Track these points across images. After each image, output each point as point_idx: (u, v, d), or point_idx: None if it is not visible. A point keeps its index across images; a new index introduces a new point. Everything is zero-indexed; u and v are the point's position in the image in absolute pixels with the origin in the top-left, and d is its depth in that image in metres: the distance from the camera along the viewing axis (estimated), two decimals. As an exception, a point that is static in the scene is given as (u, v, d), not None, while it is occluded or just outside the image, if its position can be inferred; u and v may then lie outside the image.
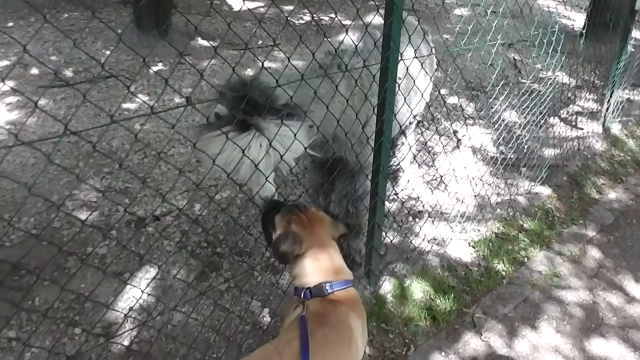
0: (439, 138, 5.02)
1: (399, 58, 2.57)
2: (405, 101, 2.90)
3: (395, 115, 2.74)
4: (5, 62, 5.86)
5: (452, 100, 5.95)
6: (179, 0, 7.04)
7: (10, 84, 5.32)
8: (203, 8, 8.02)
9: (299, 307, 1.92)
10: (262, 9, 8.20)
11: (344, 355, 1.84)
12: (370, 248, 3.11)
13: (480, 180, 4.46)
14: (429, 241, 3.70)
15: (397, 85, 2.63)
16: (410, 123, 3.65)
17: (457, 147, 4.97)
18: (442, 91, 6.06)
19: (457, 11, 9.23)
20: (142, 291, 2.26)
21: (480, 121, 5.47)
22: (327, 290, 1.95)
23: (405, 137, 3.78)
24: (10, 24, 6.68)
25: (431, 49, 3.30)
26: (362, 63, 2.47)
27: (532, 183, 4.50)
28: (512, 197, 4.28)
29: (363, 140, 2.83)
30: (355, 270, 3.39)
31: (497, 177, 4.55)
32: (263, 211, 2.28)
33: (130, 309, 3.04)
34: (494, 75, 5.89)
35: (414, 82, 2.90)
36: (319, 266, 2.01)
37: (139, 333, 2.89)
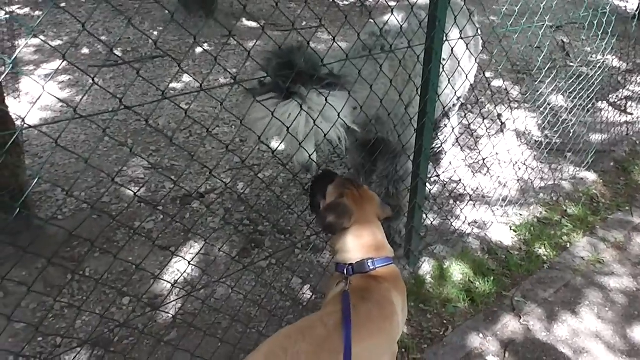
0: (483, 121, 4.97)
1: (444, 39, 2.56)
2: (449, 82, 2.88)
3: (438, 97, 2.73)
4: (58, 42, 6.05)
5: (497, 83, 5.86)
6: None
7: (63, 63, 5.50)
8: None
9: (341, 283, 1.97)
10: (306, -10, 8.20)
11: (386, 330, 1.88)
12: (411, 229, 3.13)
13: (524, 164, 4.40)
14: (469, 224, 3.69)
15: (441, 66, 2.63)
16: (453, 105, 3.63)
17: (501, 130, 4.91)
18: (487, 74, 5.97)
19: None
20: (189, 263, 2.33)
21: (526, 105, 5.37)
22: (369, 266, 1.98)
23: (449, 119, 3.76)
24: (63, 4, 6.87)
25: (477, 30, 3.26)
26: (407, 44, 2.47)
27: (577, 168, 4.42)
28: (556, 182, 4.22)
29: (406, 121, 2.84)
30: (395, 251, 3.41)
31: (541, 162, 4.49)
32: (315, 177, 2.33)
33: (176, 281, 3.15)
34: (541, 58, 5.76)
35: (459, 63, 2.88)
36: (361, 243, 2.04)
37: (183, 305, 2.99)
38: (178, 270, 3.26)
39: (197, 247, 3.44)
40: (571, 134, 4.63)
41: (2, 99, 2.89)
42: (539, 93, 5.31)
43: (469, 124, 4.95)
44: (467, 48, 3.01)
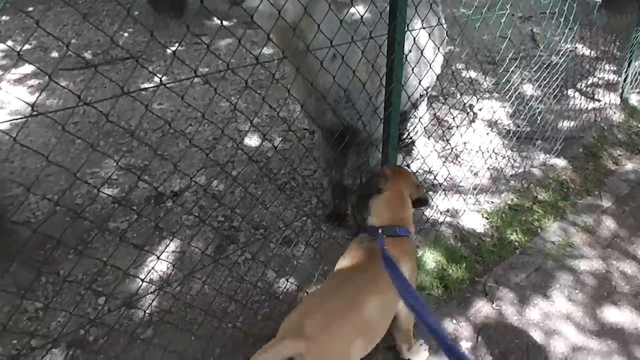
0: (454, 112, 5.03)
1: (406, 29, 2.59)
2: (413, 72, 2.92)
3: (403, 87, 2.77)
4: (27, 47, 5.99)
5: (468, 74, 5.93)
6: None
7: (31, 67, 5.44)
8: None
9: (365, 242, 2.30)
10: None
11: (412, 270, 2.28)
12: (382, 219, 3.15)
13: (495, 153, 4.46)
14: (442, 213, 3.74)
15: (404, 57, 2.66)
16: (420, 96, 3.67)
17: (473, 120, 4.97)
18: (458, 66, 6.03)
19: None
20: (158, 257, 2.35)
21: (496, 94, 5.45)
22: (397, 231, 2.29)
23: (417, 109, 3.80)
24: (31, 9, 6.80)
25: (439, 20, 3.30)
26: (377, 33, 2.50)
27: (547, 155, 4.50)
28: (527, 169, 4.29)
29: (372, 110, 2.88)
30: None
31: (512, 150, 4.55)
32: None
33: (151, 280, 3.15)
34: (505, 46, 5.83)
35: (422, 53, 2.92)
36: (392, 211, 2.37)
37: (158, 302, 3.00)
38: (154, 269, 3.26)
39: (172, 245, 3.44)
40: (541, 122, 4.71)
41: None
42: (508, 82, 5.39)
43: (440, 115, 5.01)
44: (430, 38, 3.05)
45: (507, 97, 5.25)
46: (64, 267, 3.23)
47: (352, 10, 2.74)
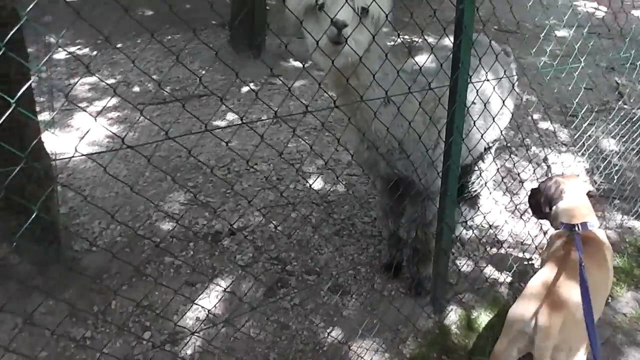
0: (525, 165, 4.82)
1: (469, 80, 2.51)
2: (474, 125, 2.82)
3: (464, 140, 2.67)
4: (111, 80, 6.33)
5: (544, 125, 5.70)
6: (272, 22, 7.28)
7: (113, 101, 5.74)
8: (295, 29, 8.23)
9: (563, 237, 2.68)
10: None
11: (603, 267, 2.57)
12: (436, 275, 3.03)
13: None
14: (502, 272, 3.55)
15: (466, 108, 2.57)
16: (485, 149, 3.53)
17: (546, 174, 4.74)
18: (535, 116, 5.82)
19: (559, 32, 8.84)
20: (208, 311, 2.33)
21: (573, 148, 5.18)
22: (589, 227, 2.64)
23: (483, 162, 3.66)
24: (119, 45, 7.21)
25: (505, 71, 3.19)
26: (438, 83, 2.45)
27: (625, 217, 4.20)
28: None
29: (428, 162, 2.79)
30: (424, 298, 3.32)
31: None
32: (529, 197, 3.12)
33: (197, 318, 3.16)
34: (586, 98, 5.56)
35: (485, 105, 2.82)
36: (580, 208, 2.72)
37: (201, 342, 2.99)
38: (202, 308, 3.26)
39: (223, 284, 3.44)
40: (619, 180, 4.42)
41: (37, 128, 3.02)
42: (586, 135, 5.12)
43: (512, 167, 4.81)
44: (497, 89, 2.94)
45: (585, 151, 4.98)
46: (117, 297, 3.29)
47: (414, 59, 2.69)
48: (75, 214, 3.99)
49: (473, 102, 2.75)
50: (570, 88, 5.73)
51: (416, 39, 8.28)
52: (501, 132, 3.47)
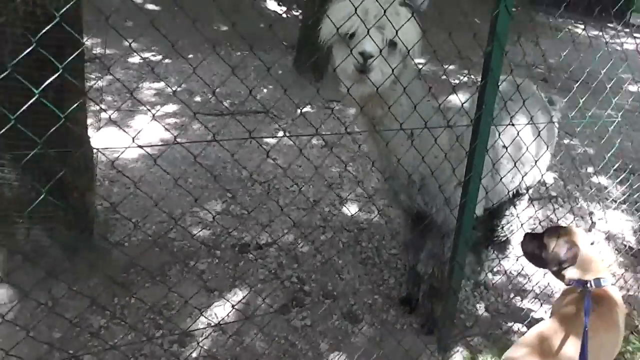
0: (570, 217, 4.67)
1: (492, 121, 2.51)
2: (493, 167, 2.80)
3: (480, 180, 2.66)
4: (177, 88, 6.63)
5: (600, 179, 5.51)
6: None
7: (174, 107, 6.01)
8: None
9: (575, 292, 2.56)
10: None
11: (613, 329, 2.46)
12: (444, 314, 2.99)
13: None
14: (518, 321, 3.45)
15: (485, 149, 2.56)
16: (519, 194, 3.47)
17: (590, 230, 4.58)
18: (589, 169, 5.64)
19: (632, 87, 8.54)
20: (219, 323, 2.41)
21: (624, 206, 4.99)
22: (602, 284, 2.53)
23: (515, 207, 3.60)
24: (190, 55, 7.53)
25: (549, 118, 3.15)
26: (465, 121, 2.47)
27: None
28: (635, 294, 3.83)
29: (453, 201, 2.78)
30: (435, 336, 3.28)
31: (625, 269, 4.11)
32: (523, 241, 2.84)
33: (209, 323, 3.24)
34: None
35: (505, 149, 2.80)
36: (594, 263, 2.60)
37: (208, 347, 3.07)
38: (215, 314, 3.35)
39: (240, 295, 3.52)
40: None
41: (84, 119, 3.20)
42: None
43: (554, 216, 4.68)
44: (535, 136, 2.91)
45: (636, 210, 4.78)
46: (139, 293, 3.43)
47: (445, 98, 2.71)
48: (116, 208, 4.19)
49: (504, 147, 2.75)
50: (631, 143, 5.55)
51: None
52: (540, 180, 3.41)
